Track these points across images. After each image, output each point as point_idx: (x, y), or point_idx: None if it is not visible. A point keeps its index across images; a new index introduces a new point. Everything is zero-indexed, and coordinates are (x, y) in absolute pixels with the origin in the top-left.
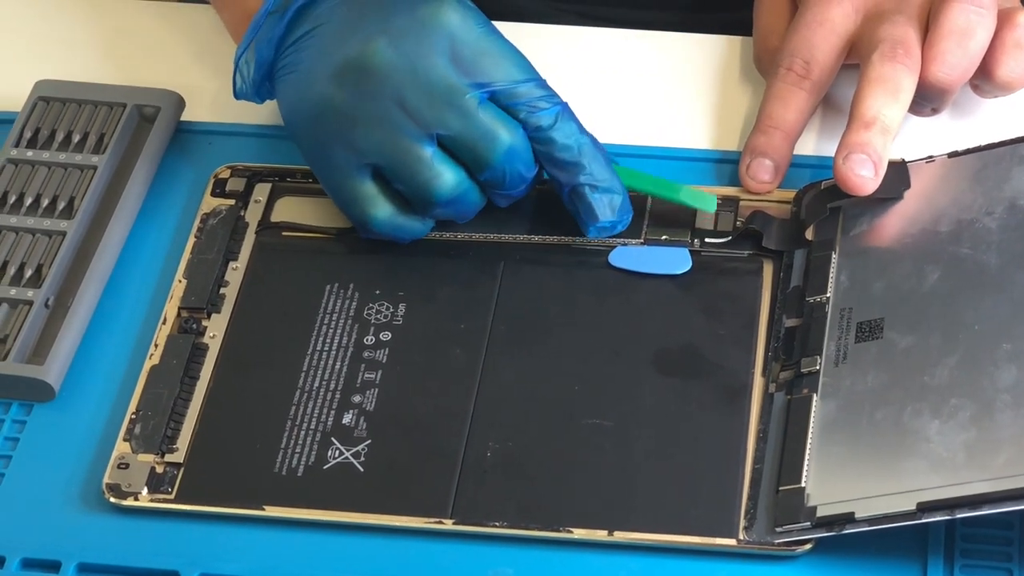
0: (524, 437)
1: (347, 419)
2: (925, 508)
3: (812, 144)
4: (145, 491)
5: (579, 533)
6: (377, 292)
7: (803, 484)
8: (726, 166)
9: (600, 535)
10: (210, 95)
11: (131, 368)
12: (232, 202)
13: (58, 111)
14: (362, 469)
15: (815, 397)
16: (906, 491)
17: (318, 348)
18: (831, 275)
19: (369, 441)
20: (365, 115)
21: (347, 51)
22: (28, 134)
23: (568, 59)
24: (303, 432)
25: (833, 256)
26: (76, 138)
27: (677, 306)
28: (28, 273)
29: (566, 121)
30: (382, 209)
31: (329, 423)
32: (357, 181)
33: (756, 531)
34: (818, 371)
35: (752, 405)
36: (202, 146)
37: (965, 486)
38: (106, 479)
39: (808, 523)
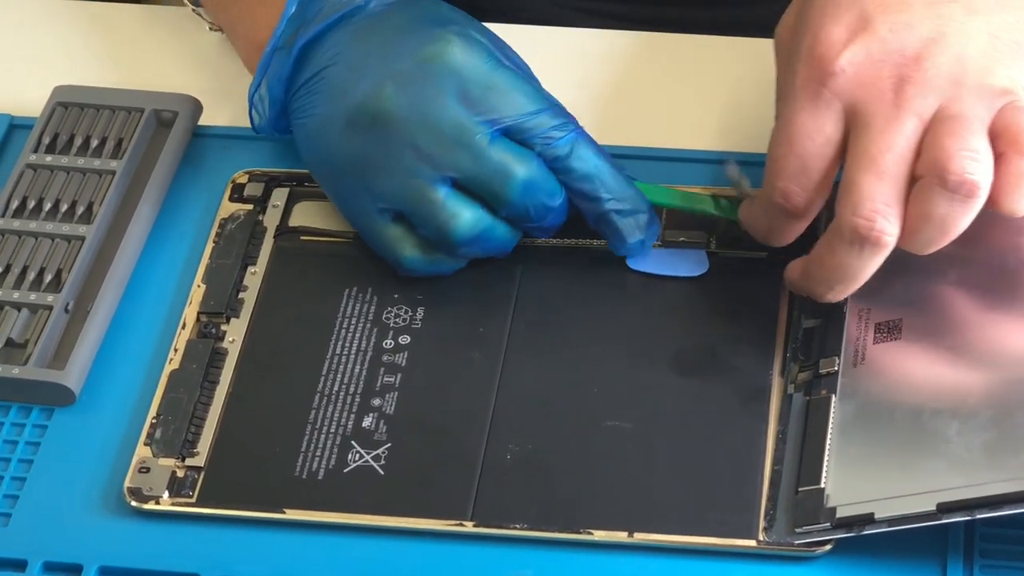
0: (544, 439)
1: (367, 422)
2: (945, 509)
3: None
4: (166, 495)
5: (599, 535)
6: (395, 296)
7: (823, 485)
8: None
9: (620, 536)
10: (227, 100)
11: (151, 372)
12: (250, 207)
13: (76, 116)
14: (382, 472)
15: (834, 398)
16: (926, 492)
17: (337, 352)
18: None
19: (389, 444)
20: (379, 162)
21: (355, 98)
22: (47, 139)
23: (569, 60)
24: (323, 435)
25: None
26: (94, 143)
27: (695, 308)
28: (48, 278)
29: (582, 148)
30: (411, 250)
31: (349, 426)
32: (381, 225)
33: (776, 532)
34: (836, 372)
35: (771, 406)
36: (219, 151)
37: (985, 486)
38: (127, 483)
39: (828, 524)
